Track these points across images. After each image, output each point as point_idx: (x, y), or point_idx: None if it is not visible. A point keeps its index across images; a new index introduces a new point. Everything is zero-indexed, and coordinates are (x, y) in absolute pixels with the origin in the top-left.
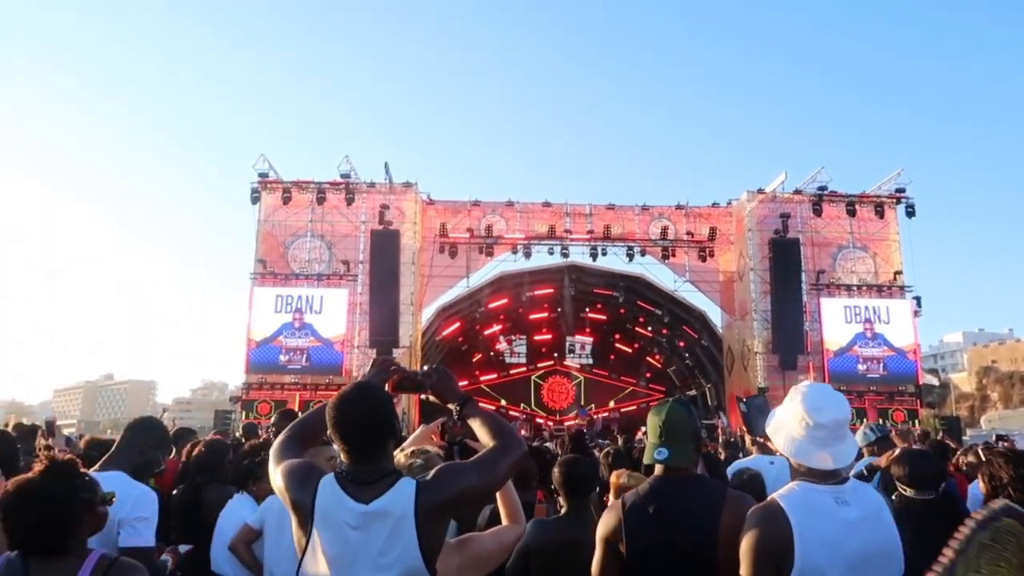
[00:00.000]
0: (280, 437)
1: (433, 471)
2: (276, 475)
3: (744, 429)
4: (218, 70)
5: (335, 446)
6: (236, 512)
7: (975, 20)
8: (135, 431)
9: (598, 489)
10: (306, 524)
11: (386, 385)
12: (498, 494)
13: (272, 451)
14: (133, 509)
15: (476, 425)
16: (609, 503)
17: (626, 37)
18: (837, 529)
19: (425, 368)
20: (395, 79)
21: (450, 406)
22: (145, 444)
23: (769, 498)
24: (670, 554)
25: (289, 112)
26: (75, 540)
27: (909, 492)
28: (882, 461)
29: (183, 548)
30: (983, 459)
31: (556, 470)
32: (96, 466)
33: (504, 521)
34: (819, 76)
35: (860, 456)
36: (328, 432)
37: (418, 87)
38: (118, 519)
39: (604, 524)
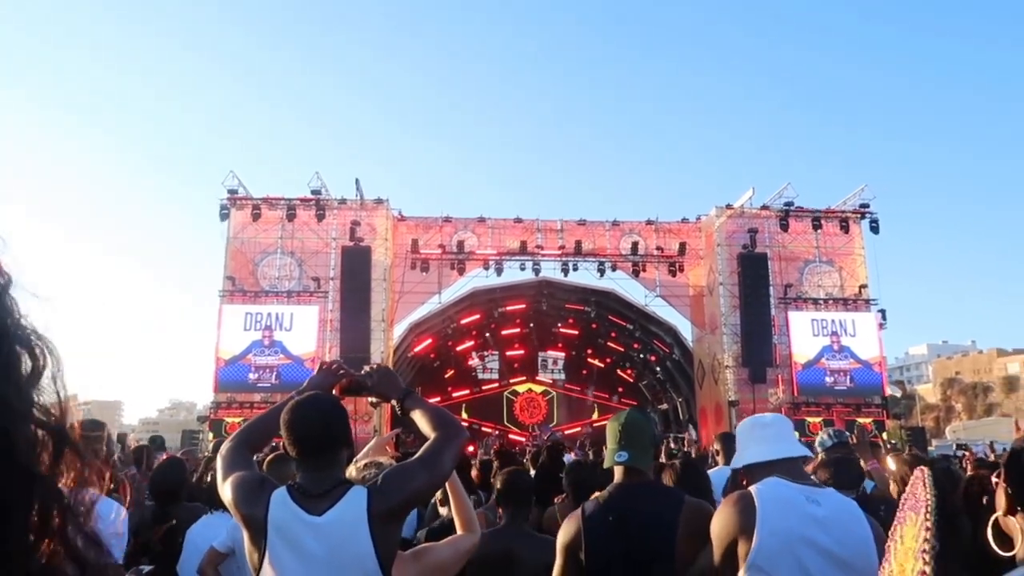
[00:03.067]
0: (227, 445)
1: (381, 475)
2: (225, 488)
3: (718, 450)
4: (185, 85)
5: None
6: (208, 530)
7: (938, 37)
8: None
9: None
10: (259, 539)
11: (334, 389)
12: (453, 504)
13: (220, 460)
14: (105, 525)
15: (417, 416)
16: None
17: (595, 55)
18: (802, 522)
19: (366, 369)
20: (365, 95)
21: (392, 402)
22: (105, 450)
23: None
24: (629, 562)
25: (258, 128)
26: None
27: None
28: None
29: (145, 569)
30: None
31: (497, 481)
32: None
33: (459, 530)
34: (785, 93)
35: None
36: (282, 441)
37: (388, 104)
38: None
39: (564, 532)
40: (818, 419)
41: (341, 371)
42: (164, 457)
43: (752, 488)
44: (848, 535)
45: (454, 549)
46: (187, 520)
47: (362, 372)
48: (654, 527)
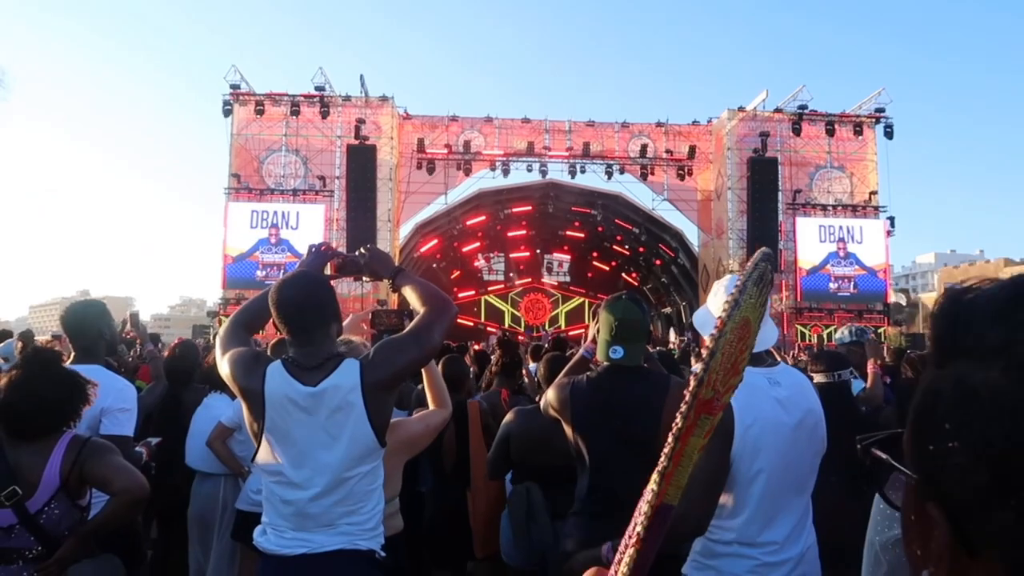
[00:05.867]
0: (225, 326)
1: (373, 348)
2: (224, 364)
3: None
4: None
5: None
6: (209, 411)
7: None
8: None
9: None
10: (258, 409)
11: (327, 269)
12: (426, 383)
13: (218, 340)
14: (116, 400)
15: (408, 292)
16: None
17: None
18: (771, 406)
19: (360, 250)
20: None
21: (384, 280)
22: (106, 328)
23: None
24: (614, 438)
25: (260, 22)
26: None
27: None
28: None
29: (153, 441)
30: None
31: (541, 365)
32: (69, 360)
33: (431, 406)
34: None
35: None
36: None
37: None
38: (101, 408)
39: (549, 396)
40: (820, 324)
41: (331, 252)
42: (177, 341)
43: None
44: (803, 406)
45: (425, 424)
46: (193, 401)
47: (355, 253)
48: (639, 406)
